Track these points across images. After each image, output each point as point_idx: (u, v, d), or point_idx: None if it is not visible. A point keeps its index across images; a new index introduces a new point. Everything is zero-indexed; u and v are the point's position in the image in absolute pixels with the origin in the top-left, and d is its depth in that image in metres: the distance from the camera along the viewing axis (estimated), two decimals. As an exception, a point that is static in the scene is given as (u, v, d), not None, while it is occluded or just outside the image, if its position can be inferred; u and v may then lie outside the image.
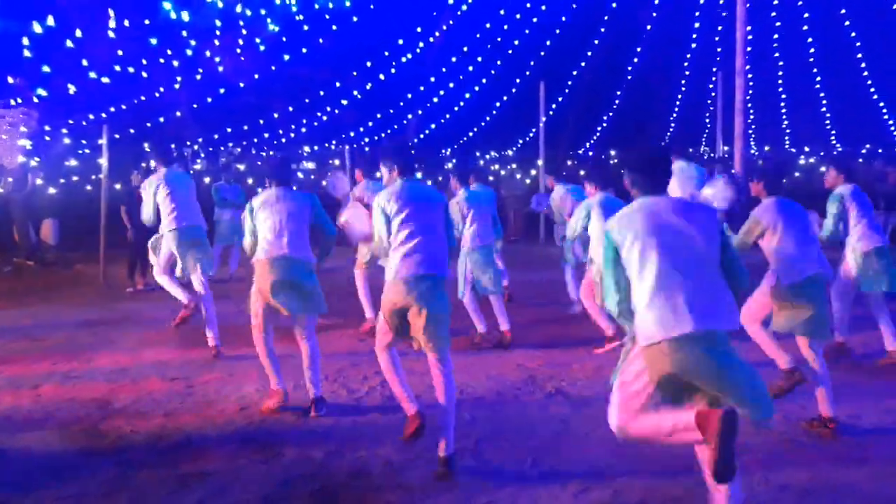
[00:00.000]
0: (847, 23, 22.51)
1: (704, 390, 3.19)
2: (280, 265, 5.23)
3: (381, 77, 20.91)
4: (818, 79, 25.70)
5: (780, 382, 5.13)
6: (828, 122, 27.99)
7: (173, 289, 7.00)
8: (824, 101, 26.70)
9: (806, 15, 23.45)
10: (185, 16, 14.57)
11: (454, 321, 4.59)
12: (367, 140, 25.54)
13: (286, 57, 18.43)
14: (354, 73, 20.95)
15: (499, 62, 22.79)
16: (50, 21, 12.45)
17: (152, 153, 7.13)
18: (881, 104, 25.17)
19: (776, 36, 24.66)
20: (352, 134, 24.48)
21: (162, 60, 15.86)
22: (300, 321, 5.35)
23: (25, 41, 12.63)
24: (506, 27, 21.98)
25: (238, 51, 17.23)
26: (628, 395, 3.35)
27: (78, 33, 13.03)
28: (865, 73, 24.08)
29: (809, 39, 24.26)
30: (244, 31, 16.83)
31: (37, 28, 12.44)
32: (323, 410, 5.21)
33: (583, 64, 24.29)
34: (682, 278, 3.17)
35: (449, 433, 4.21)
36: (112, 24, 13.68)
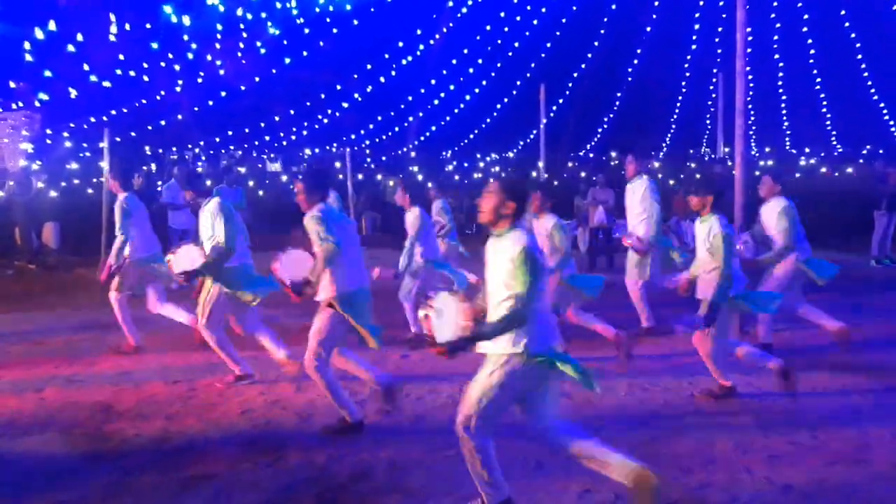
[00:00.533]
0: (847, 24, 22.54)
1: None
2: None
3: (382, 80, 20.96)
4: (818, 80, 25.73)
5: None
6: (828, 123, 28.01)
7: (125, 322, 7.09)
8: (825, 103, 26.73)
9: (806, 16, 23.48)
10: (187, 20, 14.60)
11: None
12: (367, 143, 25.56)
13: (287, 60, 18.47)
14: (355, 76, 20.99)
15: (499, 64, 22.85)
16: (52, 26, 12.49)
17: (114, 177, 7.20)
18: (881, 105, 25.18)
19: (776, 37, 24.69)
20: (353, 136, 24.51)
21: (163, 64, 15.89)
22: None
23: (27, 45, 12.67)
24: (506, 29, 22.04)
25: (239, 54, 17.26)
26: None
27: (79, 37, 13.06)
28: (866, 74, 24.10)
29: (810, 41, 24.30)
30: (245, 35, 16.87)
31: (39, 33, 12.47)
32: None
33: (583, 66, 24.34)
34: None
35: None
36: (113, 28, 13.70)
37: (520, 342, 3.50)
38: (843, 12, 22.43)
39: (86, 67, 14.04)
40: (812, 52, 24.60)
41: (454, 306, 3.56)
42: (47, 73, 13.36)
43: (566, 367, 3.54)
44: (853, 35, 22.99)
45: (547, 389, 3.66)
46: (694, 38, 25.15)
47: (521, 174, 6.56)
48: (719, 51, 24.50)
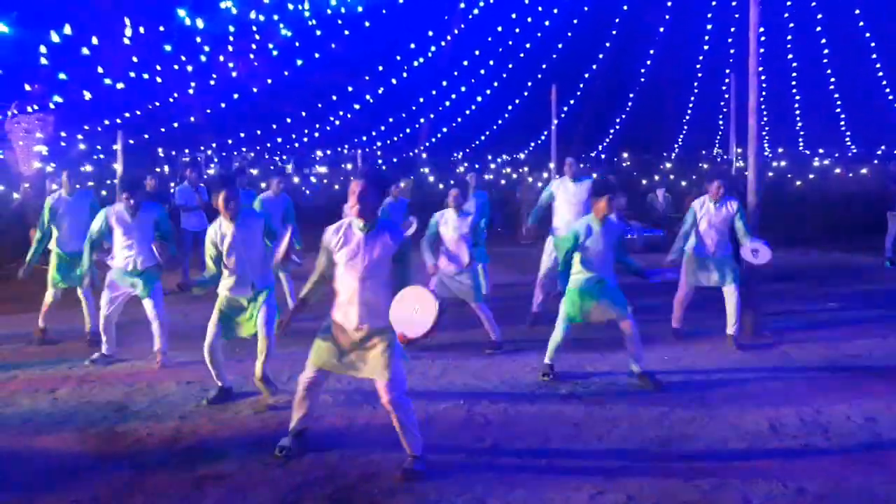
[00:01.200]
0: (861, 23, 22.35)
1: None
2: None
3: (394, 81, 20.98)
4: (832, 80, 25.54)
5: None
6: (842, 123, 27.80)
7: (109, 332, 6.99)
8: (839, 103, 26.52)
9: (819, 16, 23.31)
10: (199, 22, 14.67)
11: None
12: (379, 144, 25.61)
13: (299, 62, 18.52)
14: (367, 78, 21.02)
15: (510, 65, 22.81)
16: (66, 29, 12.57)
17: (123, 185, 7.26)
18: (896, 104, 24.95)
19: (790, 37, 24.53)
20: (364, 138, 24.57)
21: (176, 66, 15.97)
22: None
23: (42, 49, 12.76)
24: (517, 30, 21.99)
25: (251, 56, 17.32)
26: None
27: (94, 40, 13.15)
28: (880, 74, 23.88)
29: (823, 40, 24.11)
30: (257, 37, 16.92)
31: (53, 36, 12.56)
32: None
33: (594, 66, 24.27)
34: None
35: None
36: (128, 31, 13.79)
37: None
38: (857, 11, 22.25)
39: (100, 70, 14.13)
40: (826, 51, 24.41)
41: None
42: (62, 76, 13.44)
43: None
44: (867, 35, 22.80)
45: None
46: (706, 37, 25.03)
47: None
48: (732, 51, 24.38)
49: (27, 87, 13.80)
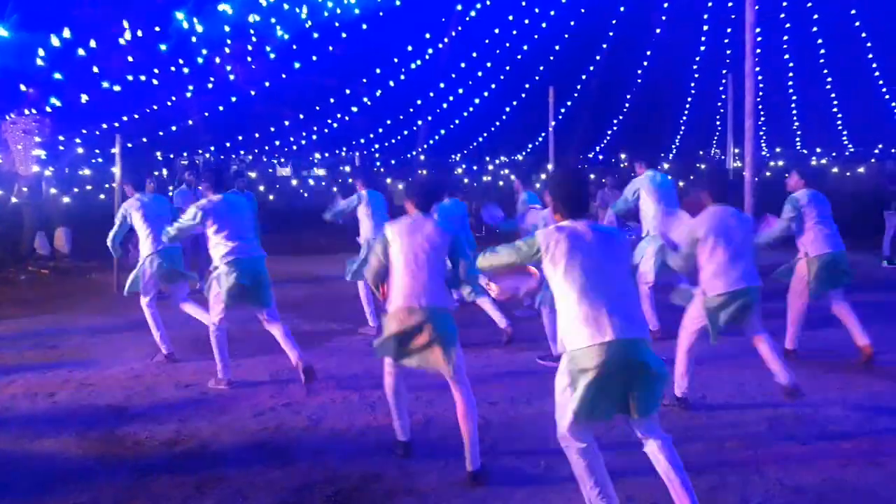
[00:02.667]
0: (857, 23, 22.39)
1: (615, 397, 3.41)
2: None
3: (391, 83, 20.99)
4: (829, 80, 25.58)
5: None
6: (839, 122, 27.85)
7: (157, 331, 7.02)
8: (835, 102, 26.57)
9: (816, 16, 23.35)
10: (197, 25, 14.68)
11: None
12: (377, 146, 25.62)
13: (296, 65, 18.53)
14: (364, 80, 21.03)
15: (508, 67, 22.82)
16: (64, 32, 12.59)
17: (125, 182, 7.28)
18: (893, 104, 25.00)
19: (786, 37, 24.57)
20: (362, 140, 24.58)
21: (173, 69, 15.98)
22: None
23: (40, 52, 12.77)
24: (515, 32, 22.01)
25: (249, 59, 17.34)
26: (561, 405, 3.56)
27: (92, 43, 13.16)
28: (877, 74, 23.93)
29: (820, 41, 24.15)
30: (255, 40, 16.94)
31: (51, 39, 12.58)
32: (312, 380, 5.86)
33: (592, 68, 24.29)
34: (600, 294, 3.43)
35: (475, 448, 4.23)
36: (125, 34, 13.81)
37: None
38: (853, 11, 22.30)
39: (95, 70, 14.14)
40: (822, 51, 24.46)
41: None
42: (57, 76, 13.46)
43: None
44: (864, 34, 22.85)
45: None
46: (703, 38, 25.08)
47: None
48: (728, 51, 24.42)
49: (23, 88, 13.81)
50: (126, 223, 7.06)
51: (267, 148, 25.60)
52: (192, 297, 7.23)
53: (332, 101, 21.26)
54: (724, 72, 18.45)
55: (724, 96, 18.06)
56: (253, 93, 18.51)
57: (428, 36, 20.33)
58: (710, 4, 23.71)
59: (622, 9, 23.21)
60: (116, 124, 16.35)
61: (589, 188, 3.85)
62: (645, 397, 3.41)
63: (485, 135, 26.73)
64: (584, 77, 24.30)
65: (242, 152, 25.99)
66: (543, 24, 22.01)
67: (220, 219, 5.98)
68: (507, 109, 24.70)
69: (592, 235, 3.53)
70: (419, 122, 24.75)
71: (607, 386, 3.37)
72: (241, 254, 5.96)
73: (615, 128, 28.11)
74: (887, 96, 24.74)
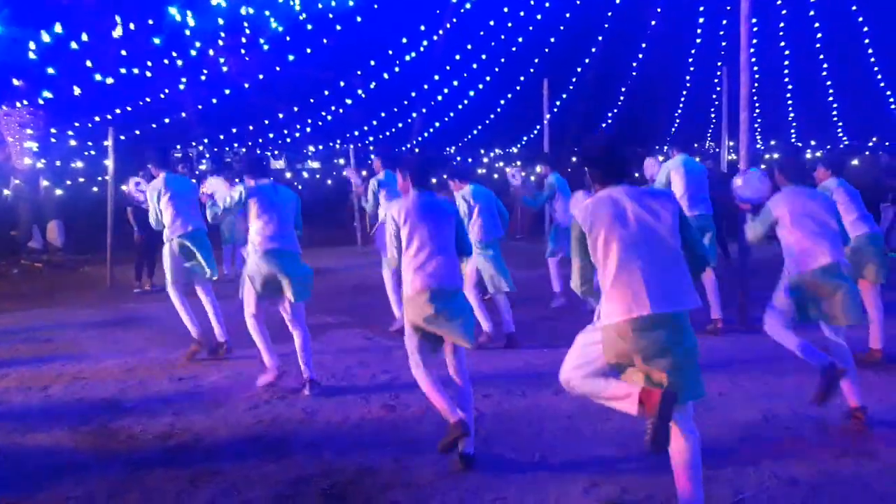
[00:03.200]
0: (854, 8, 22.35)
1: (649, 366, 3.30)
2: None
3: (385, 76, 20.93)
4: (825, 72, 25.60)
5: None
6: (835, 114, 27.89)
7: (186, 315, 6.82)
8: (831, 93, 26.60)
9: (812, 12, 23.34)
10: (190, 17, 14.61)
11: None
12: (371, 139, 25.57)
13: (290, 57, 18.46)
14: (358, 73, 20.97)
15: (503, 59, 22.77)
16: (55, 24, 12.51)
17: (149, 159, 7.00)
18: (888, 94, 25.03)
19: (781, 24, 24.55)
20: (356, 133, 24.51)
21: (166, 62, 15.91)
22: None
23: (31, 45, 12.69)
24: (509, 24, 21.96)
25: (242, 51, 17.26)
26: (584, 358, 3.58)
27: (84, 36, 13.08)
28: (876, 69, 23.95)
29: (818, 35, 24.16)
30: (248, 32, 16.87)
31: (42, 32, 12.50)
32: (315, 390, 5.62)
33: (587, 60, 24.25)
34: (641, 264, 3.29)
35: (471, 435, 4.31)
36: (117, 26, 13.73)
37: None
38: (854, 8, 22.30)
39: (89, 65, 14.06)
40: (818, 45, 24.46)
41: None
42: (50, 71, 13.38)
43: None
44: (862, 26, 22.86)
45: None
46: (698, 30, 25.05)
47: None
48: (724, 43, 24.40)
49: (16, 83, 13.73)
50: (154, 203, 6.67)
51: (261, 140, 25.49)
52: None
53: (326, 93, 21.19)
54: (719, 64, 18.45)
55: (718, 88, 18.06)
56: (247, 85, 18.43)
57: (422, 28, 20.26)
58: (704, -4, 23.70)
59: (617, 0, 23.17)
60: (109, 117, 16.27)
61: (626, 154, 3.67)
62: (679, 382, 3.27)
63: (479, 127, 26.68)
64: (578, 69, 24.26)
65: (236, 145, 25.87)
66: (538, 16, 21.95)
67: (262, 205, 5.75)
68: (502, 102, 24.65)
69: (632, 202, 3.37)
70: (414, 115, 24.69)
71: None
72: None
73: (610, 120, 28.08)
74: (887, 91, 24.78)
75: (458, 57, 21.93)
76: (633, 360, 3.33)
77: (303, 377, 5.71)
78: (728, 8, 22.65)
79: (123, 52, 14.48)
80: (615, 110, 27.42)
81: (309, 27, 18.06)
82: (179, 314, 6.77)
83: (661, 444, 3.25)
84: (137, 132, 18.05)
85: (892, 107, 25.49)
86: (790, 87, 27.40)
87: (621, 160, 3.55)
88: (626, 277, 3.30)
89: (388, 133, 25.13)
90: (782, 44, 25.24)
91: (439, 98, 23.25)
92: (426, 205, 4.41)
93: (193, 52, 15.96)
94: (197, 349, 6.76)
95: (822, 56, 24.60)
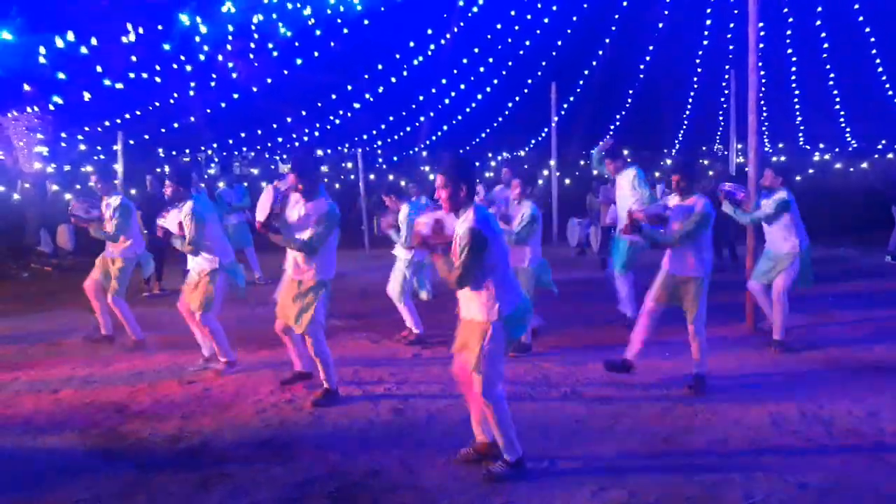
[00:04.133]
0: (861, 18, 22.31)
1: None
2: None
3: (393, 80, 20.96)
4: (832, 75, 25.50)
5: None
6: (842, 118, 27.77)
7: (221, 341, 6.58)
8: (838, 98, 26.49)
9: (819, 9, 23.26)
10: (199, 22, 14.67)
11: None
12: (379, 143, 25.61)
13: (299, 61, 18.51)
14: (366, 76, 21.02)
15: (510, 63, 22.78)
16: (66, 30, 12.59)
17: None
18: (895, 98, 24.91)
19: (789, 32, 24.49)
20: (364, 137, 24.55)
21: (175, 66, 15.97)
22: None
23: (42, 49, 12.77)
24: (517, 28, 21.96)
25: (251, 56, 17.32)
26: None
27: (94, 41, 13.15)
28: (881, 70, 23.85)
29: (823, 34, 24.07)
30: (257, 37, 16.92)
31: (54, 37, 12.58)
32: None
33: (594, 63, 24.23)
34: None
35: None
36: (128, 31, 13.80)
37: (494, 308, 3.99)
38: (856, 6, 22.21)
39: (99, 70, 14.13)
40: (825, 45, 24.37)
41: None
42: (61, 76, 13.45)
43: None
44: (868, 30, 22.76)
45: None
46: (706, 33, 24.99)
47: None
48: (731, 46, 24.35)
49: (26, 88, 13.82)
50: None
51: (269, 144, 25.58)
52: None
53: (334, 97, 21.24)
54: (726, 67, 18.41)
55: (726, 91, 18.02)
56: (255, 89, 18.49)
57: (430, 31, 20.28)
58: (712, -1, 23.64)
59: (625, 3, 23.14)
60: (119, 121, 16.35)
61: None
62: None
63: (487, 131, 26.70)
64: (586, 72, 24.24)
65: (245, 149, 25.97)
66: (546, 20, 21.94)
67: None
68: (510, 105, 24.66)
69: None
70: (421, 119, 24.73)
71: None
72: None
73: (618, 123, 28.03)
74: (890, 91, 24.65)
75: (465, 60, 21.95)
76: None
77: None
78: (736, 11, 22.61)
79: (134, 58, 14.55)
80: (623, 113, 27.39)
81: (317, 31, 18.11)
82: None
83: None
84: (147, 136, 18.15)
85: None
86: (797, 91, 27.30)
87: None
88: None
89: (396, 137, 25.17)
90: (789, 51, 25.18)
91: (447, 101, 23.27)
92: None
93: (202, 57, 16.03)
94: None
95: (825, 55, 24.50)
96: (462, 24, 20.80)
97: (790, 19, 23.83)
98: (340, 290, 10.33)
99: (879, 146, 27.63)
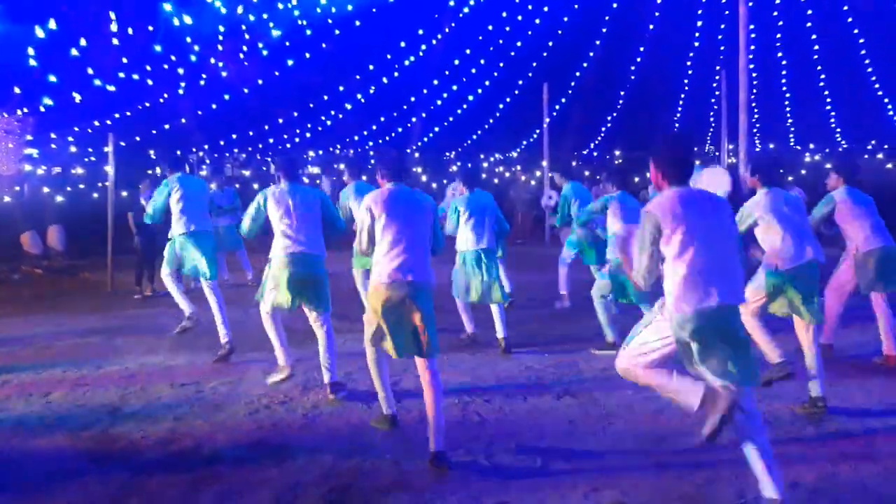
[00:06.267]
0: (850, 19, 22.47)
1: (709, 354, 3.55)
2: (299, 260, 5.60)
3: (385, 80, 20.96)
4: (822, 76, 25.66)
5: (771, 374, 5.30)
6: (832, 119, 27.94)
7: (178, 297, 7.12)
8: (828, 98, 26.66)
9: (809, 12, 23.42)
10: (189, 22, 14.63)
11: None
12: (371, 144, 25.60)
13: (290, 62, 18.48)
14: (357, 77, 21.00)
15: (501, 64, 22.82)
16: (53, 27, 12.52)
17: (161, 161, 7.10)
18: (886, 100, 25.11)
19: (779, 35, 24.64)
20: (356, 138, 24.55)
21: (166, 67, 15.92)
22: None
23: (31, 51, 12.70)
24: (508, 29, 22.00)
25: (242, 56, 17.29)
26: (643, 349, 3.77)
27: (83, 42, 13.09)
28: (870, 70, 24.02)
29: (813, 36, 24.23)
30: (247, 37, 16.89)
31: (41, 35, 12.51)
32: (342, 393, 5.59)
33: (585, 64, 24.30)
34: (711, 259, 3.57)
35: (440, 431, 4.37)
36: (115, 31, 13.74)
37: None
38: (845, 7, 22.37)
39: (90, 71, 14.07)
40: (816, 47, 24.53)
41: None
42: (51, 78, 13.39)
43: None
44: (856, 31, 22.93)
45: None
46: (697, 34, 25.11)
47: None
48: (722, 47, 24.47)
49: (17, 91, 13.74)
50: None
51: (261, 146, 25.52)
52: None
53: (325, 98, 21.21)
54: (717, 68, 18.50)
55: (717, 92, 18.10)
56: (246, 90, 18.45)
57: (421, 32, 20.29)
58: (703, 0, 23.74)
59: (615, 5, 23.22)
60: (109, 122, 16.28)
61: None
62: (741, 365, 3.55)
63: (479, 132, 26.73)
64: (577, 73, 24.31)
65: (236, 150, 25.91)
66: (537, 21, 22.00)
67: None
68: (501, 106, 24.70)
69: (701, 200, 3.70)
70: (413, 120, 24.74)
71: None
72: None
73: (609, 124, 28.12)
74: (880, 92, 24.83)
75: (457, 61, 21.98)
76: (693, 346, 3.54)
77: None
78: (727, 12, 22.72)
79: (124, 60, 14.50)
80: (615, 114, 27.47)
81: (308, 32, 18.09)
82: (174, 296, 7.10)
83: (716, 438, 3.56)
84: (137, 138, 18.07)
85: (889, 110, 25.55)
86: (788, 92, 27.46)
87: (691, 161, 3.91)
88: (700, 270, 3.54)
89: (387, 138, 25.16)
90: (780, 54, 25.33)
91: (438, 103, 23.29)
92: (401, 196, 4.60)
93: (193, 58, 15.98)
94: (189, 327, 7.11)
95: (816, 56, 24.66)
96: (453, 24, 20.83)
97: (780, 22, 23.98)
98: (333, 291, 10.31)
99: (869, 146, 27.82)
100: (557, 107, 21.90)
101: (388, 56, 20.50)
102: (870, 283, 6.21)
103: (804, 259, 5.13)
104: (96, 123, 16.54)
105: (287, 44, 18.11)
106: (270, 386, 5.87)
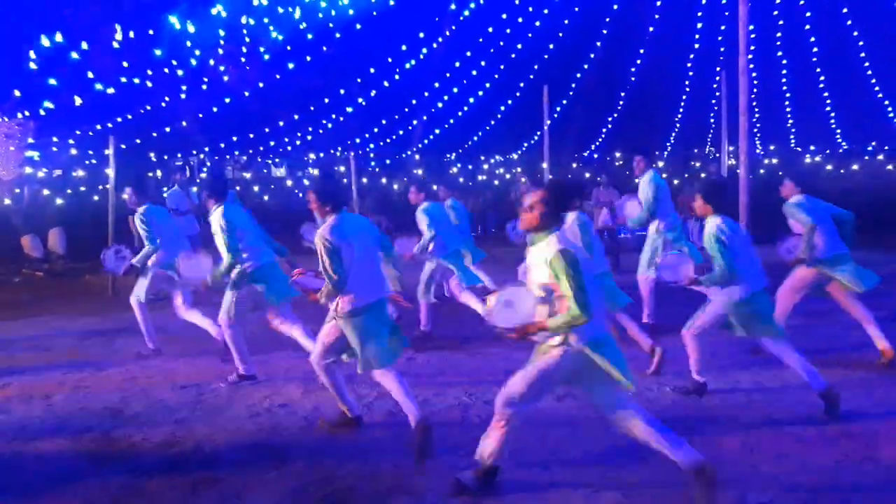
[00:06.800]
0: (849, 22, 22.48)
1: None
2: None
3: (385, 84, 20.97)
4: (822, 77, 25.67)
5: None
6: (832, 120, 27.95)
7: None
8: (828, 100, 26.67)
9: (808, 14, 23.44)
10: (190, 26, 14.65)
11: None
12: (372, 146, 25.61)
13: (290, 65, 18.50)
14: (359, 80, 21.02)
15: (502, 66, 22.83)
16: (57, 35, 12.55)
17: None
18: (885, 102, 25.11)
19: (779, 34, 24.65)
20: (357, 141, 24.54)
21: (167, 70, 15.94)
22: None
23: (32, 54, 12.73)
24: (508, 31, 22.02)
25: (243, 60, 17.30)
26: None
27: (84, 45, 13.11)
28: (870, 73, 24.03)
29: (812, 38, 24.24)
30: (248, 41, 16.91)
31: (43, 41, 12.54)
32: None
33: (586, 66, 24.31)
34: None
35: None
36: (118, 35, 13.77)
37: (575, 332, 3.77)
38: (844, 10, 22.39)
39: (90, 75, 14.09)
40: (815, 49, 24.55)
41: (528, 299, 3.83)
42: (52, 81, 13.41)
43: (603, 361, 3.72)
44: (855, 33, 22.95)
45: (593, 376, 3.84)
46: (697, 36, 25.14)
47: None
48: (722, 49, 24.49)
49: (17, 94, 13.76)
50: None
51: (262, 149, 25.51)
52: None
53: (326, 101, 21.22)
54: (717, 69, 18.49)
55: (717, 94, 18.10)
56: (247, 93, 18.46)
57: (422, 35, 20.31)
58: (703, 2, 23.77)
59: (615, 7, 23.24)
60: (110, 125, 16.29)
61: None
62: None
63: (479, 134, 26.73)
64: (578, 75, 24.32)
65: (237, 153, 25.91)
66: (537, 23, 22.01)
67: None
68: (502, 108, 24.71)
69: None
70: (414, 122, 24.75)
71: None
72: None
73: (610, 126, 28.12)
74: (880, 94, 24.83)
75: (457, 64, 21.98)
76: None
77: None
78: (726, 13, 22.74)
79: (125, 64, 14.52)
80: (615, 116, 27.48)
81: (309, 35, 18.11)
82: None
83: None
84: (138, 141, 18.09)
85: (889, 112, 25.56)
86: (788, 93, 27.47)
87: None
88: None
89: (388, 140, 25.17)
90: (780, 53, 25.34)
91: (439, 105, 23.30)
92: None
93: (194, 61, 16.00)
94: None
95: (815, 58, 24.67)
96: (454, 27, 20.85)
97: (780, 22, 23.99)
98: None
99: (870, 147, 27.82)
100: (558, 109, 21.91)
101: (389, 59, 20.51)
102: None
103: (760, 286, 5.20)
104: (98, 126, 16.55)
105: (288, 47, 18.13)
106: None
